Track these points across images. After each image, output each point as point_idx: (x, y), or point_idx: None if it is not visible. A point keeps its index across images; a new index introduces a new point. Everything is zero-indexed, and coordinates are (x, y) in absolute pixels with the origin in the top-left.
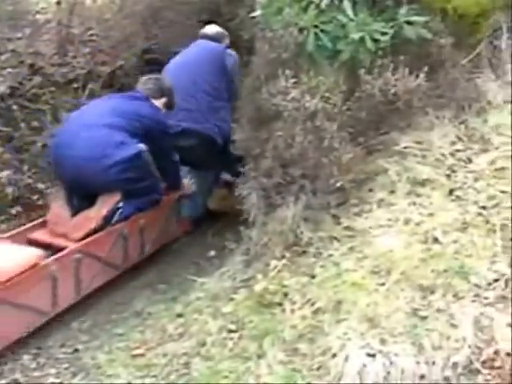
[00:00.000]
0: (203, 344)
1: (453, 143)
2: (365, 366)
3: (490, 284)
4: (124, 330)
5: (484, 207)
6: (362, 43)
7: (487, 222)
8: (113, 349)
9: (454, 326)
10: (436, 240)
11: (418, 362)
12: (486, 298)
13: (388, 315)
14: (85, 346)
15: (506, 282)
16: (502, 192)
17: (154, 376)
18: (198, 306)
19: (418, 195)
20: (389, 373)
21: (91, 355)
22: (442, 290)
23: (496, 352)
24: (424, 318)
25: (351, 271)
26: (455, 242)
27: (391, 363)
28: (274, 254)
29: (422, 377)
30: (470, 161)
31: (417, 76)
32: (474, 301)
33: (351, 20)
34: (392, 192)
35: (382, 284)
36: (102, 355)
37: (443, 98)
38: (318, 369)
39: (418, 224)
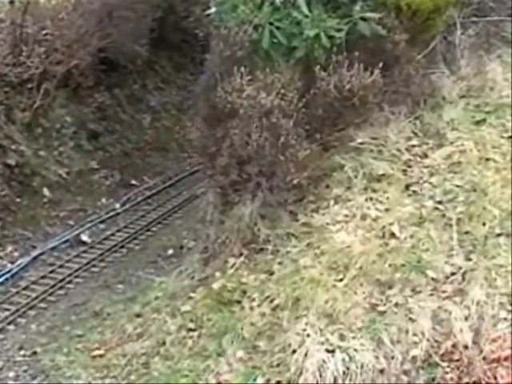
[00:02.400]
0: (162, 343)
1: (408, 138)
2: (324, 361)
3: (447, 278)
4: (83, 331)
5: (440, 201)
6: (316, 40)
7: (443, 216)
8: (72, 350)
9: (412, 320)
10: (393, 235)
11: (377, 357)
12: (443, 292)
13: (346, 311)
14: (43, 349)
15: (463, 275)
16: (458, 186)
17: (114, 376)
18: (157, 305)
19: (375, 191)
20: (348, 368)
21: (50, 357)
22: (399, 285)
23: (454, 345)
24: (382, 312)
25: (309, 268)
26: (412, 236)
27: (350, 358)
28: (232, 251)
29: (382, 371)
30: (425, 156)
31: (372, 72)
32: (431, 295)
33: (306, 17)
34: (348, 188)
35: (340, 280)
36: (61, 357)
37: (398, 93)
38: (278, 365)
39: (374, 219)
